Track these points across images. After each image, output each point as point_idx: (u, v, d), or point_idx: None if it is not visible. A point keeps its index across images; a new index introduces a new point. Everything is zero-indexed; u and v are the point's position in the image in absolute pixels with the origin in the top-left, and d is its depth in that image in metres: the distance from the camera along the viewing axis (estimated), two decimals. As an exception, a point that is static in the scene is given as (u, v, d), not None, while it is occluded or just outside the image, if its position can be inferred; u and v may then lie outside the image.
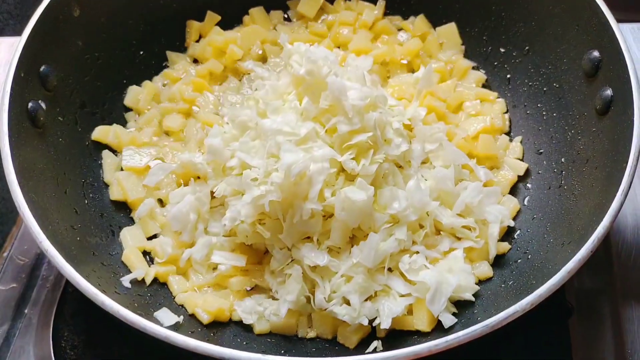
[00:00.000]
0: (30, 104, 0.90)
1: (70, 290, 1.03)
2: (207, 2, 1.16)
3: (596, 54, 0.91)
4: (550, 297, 0.94)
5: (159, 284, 0.93)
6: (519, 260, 0.91)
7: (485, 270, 0.91)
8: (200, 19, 1.17)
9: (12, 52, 0.90)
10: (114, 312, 0.70)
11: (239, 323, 0.90)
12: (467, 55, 1.14)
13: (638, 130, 0.79)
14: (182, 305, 0.91)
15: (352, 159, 0.88)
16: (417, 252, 0.90)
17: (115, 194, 1.00)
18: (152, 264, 0.95)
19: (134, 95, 1.10)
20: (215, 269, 0.94)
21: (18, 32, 0.93)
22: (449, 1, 1.14)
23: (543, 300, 0.92)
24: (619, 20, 0.89)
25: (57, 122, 0.96)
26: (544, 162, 1.00)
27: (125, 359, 0.96)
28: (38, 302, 1.04)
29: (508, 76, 1.10)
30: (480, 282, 0.91)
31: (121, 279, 0.88)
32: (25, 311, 1.03)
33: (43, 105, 0.93)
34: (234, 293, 0.92)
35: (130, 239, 0.96)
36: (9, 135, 0.83)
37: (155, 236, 0.98)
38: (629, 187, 0.76)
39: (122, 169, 1.03)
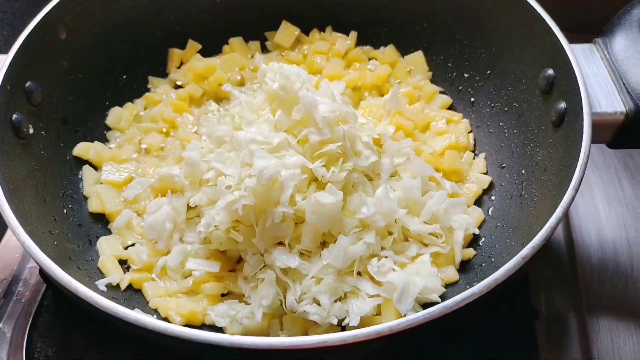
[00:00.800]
0: (14, 116, 0.94)
1: (45, 304, 1.05)
2: (188, 31, 1.22)
3: (551, 72, 0.98)
4: (516, 298, 1.00)
5: (134, 290, 0.95)
6: (483, 264, 0.95)
7: (451, 274, 0.94)
8: (182, 47, 1.23)
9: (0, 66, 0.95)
10: (87, 299, 0.71)
11: (212, 327, 0.91)
12: (433, 81, 1.21)
13: (587, 133, 0.85)
14: (156, 310, 0.92)
15: (323, 166, 0.93)
16: (386, 257, 0.93)
17: (94, 205, 1.03)
18: (128, 271, 0.97)
19: (115, 115, 1.14)
20: (189, 276, 0.96)
21: (5, 52, 0.98)
22: (416, 32, 1.22)
23: (509, 302, 0.97)
24: (570, 42, 0.97)
25: (40, 136, 1.00)
26: (507, 175, 1.05)
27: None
28: (13, 317, 1.05)
29: (472, 99, 1.17)
30: (446, 286, 0.94)
31: (96, 282, 0.90)
32: (0, 325, 1.04)
33: (27, 118, 0.97)
34: (208, 298, 0.93)
35: (107, 247, 0.98)
36: (-8, 140, 0.87)
37: (132, 246, 1.00)
38: (580, 183, 0.81)
39: (101, 183, 1.06)
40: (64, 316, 1.03)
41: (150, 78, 1.21)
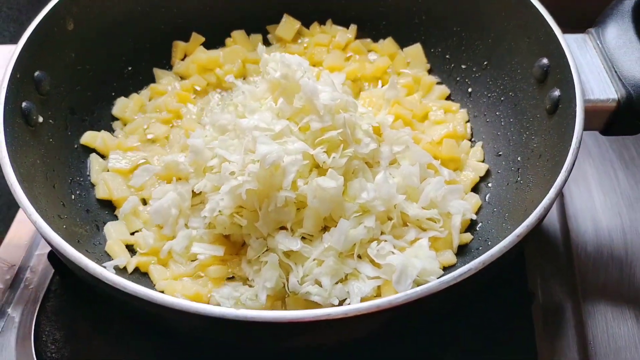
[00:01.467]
0: (24, 104, 0.97)
1: (53, 289, 1.07)
2: (192, 24, 1.25)
3: (545, 61, 1.01)
4: (512, 284, 1.02)
5: (141, 274, 0.98)
6: (479, 248, 0.97)
7: (449, 257, 0.97)
8: (186, 39, 1.25)
9: (9, 56, 0.97)
10: (97, 275, 0.74)
11: (217, 309, 0.93)
12: (431, 72, 1.24)
13: (580, 118, 0.87)
14: (162, 292, 0.94)
15: (324, 152, 0.95)
16: (385, 241, 0.96)
17: (101, 192, 1.06)
18: (135, 255, 0.99)
19: (121, 106, 1.17)
20: (194, 260, 0.98)
21: (15, 42, 1.01)
22: (414, 25, 1.25)
23: (506, 287, 1.00)
24: (564, 32, 1.00)
25: (48, 124, 1.03)
26: (503, 162, 1.08)
27: (103, 352, 1.00)
28: (21, 303, 1.08)
29: (469, 90, 1.20)
30: (444, 269, 0.96)
31: (104, 264, 0.93)
32: (8, 311, 1.07)
33: (36, 107, 1.00)
34: (212, 281, 0.96)
35: (114, 232, 1.01)
36: (4, 126, 0.89)
37: (138, 232, 1.03)
38: (572, 166, 0.83)
39: (108, 171, 1.09)
40: (71, 301, 1.06)
41: (155, 70, 1.23)
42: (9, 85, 0.94)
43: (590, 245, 1.14)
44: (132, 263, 0.97)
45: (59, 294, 1.07)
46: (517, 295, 1.03)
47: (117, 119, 1.17)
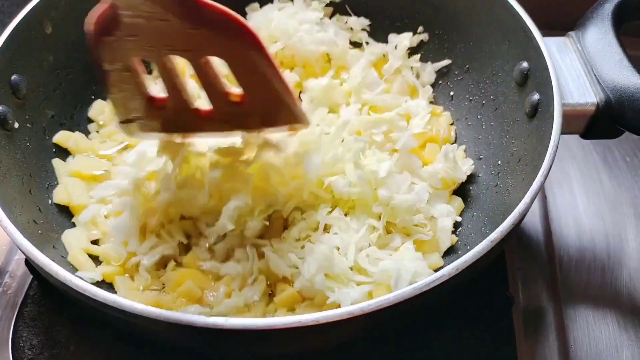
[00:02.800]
0: (0, 108, 0.96)
1: (31, 294, 1.06)
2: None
3: (525, 64, 1.00)
4: (492, 285, 1.02)
5: (106, 284, 0.96)
6: (459, 252, 0.97)
7: (436, 260, 0.97)
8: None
9: (-15, 60, 0.97)
10: (65, 282, 0.73)
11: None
12: (415, 75, 1.23)
13: (557, 122, 0.87)
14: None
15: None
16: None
17: (59, 196, 1.02)
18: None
19: (98, 108, 1.16)
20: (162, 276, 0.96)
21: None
22: (396, 28, 1.25)
23: (486, 291, 0.99)
24: (546, 34, 0.99)
25: (26, 128, 1.02)
26: (483, 166, 1.08)
27: (81, 358, 0.99)
28: (-1, 308, 1.07)
29: (452, 93, 1.19)
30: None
31: (77, 273, 0.92)
32: (-14, 316, 1.06)
33: (12, 111, 0.99)
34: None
35: (74, 240, 0.98)
36: (-23, 132, 0.89)
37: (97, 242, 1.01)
38: (549, 170, 0.83)
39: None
40: (49, 306, 1.05)
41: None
42: (-17, 90, 0.93)
43: (572, 248, 1.14)
44: (98, 272, 0.95)
45: (37, 300, 1.06)
46: (497, 298, 1.03)
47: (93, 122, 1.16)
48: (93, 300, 0.71)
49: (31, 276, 1.07)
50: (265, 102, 0.86)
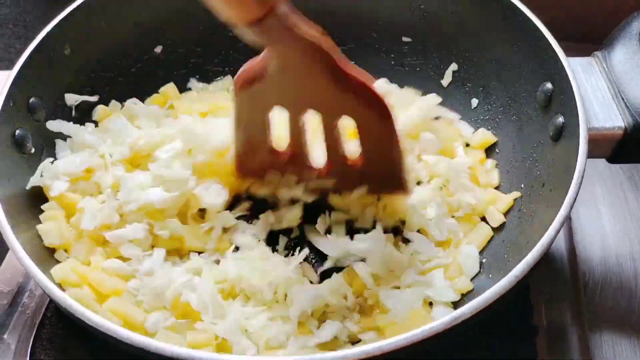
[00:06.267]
0: (17, 131, 0.96)
1: (49, 315, 1.06)
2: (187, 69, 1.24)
3: (549, 85, 0.98)
4: (517, 317, 0.99)
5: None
6: (481, 276, 0.95)
7: (465, 283, 0.96)
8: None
9: (4, 82, 0.97)
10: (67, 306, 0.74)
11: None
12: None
13: (583, 149, 0.84)
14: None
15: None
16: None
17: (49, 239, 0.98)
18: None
19: (102, 113, 1.13)
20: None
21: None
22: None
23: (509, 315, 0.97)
24: (570, 54, 0.97)
25: (43, 151, 1.02)
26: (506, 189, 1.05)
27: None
28: (18, 328, 1.07)
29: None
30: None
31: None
32: (5, 337, 1.06)
33: (30, 134, 0.99)
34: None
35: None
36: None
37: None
38: (574, 200, 0.81)
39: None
40: (66, 327, 1.05)
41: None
42: (1, 113, 0.93)
43: (597, 270, 1.11)
44: None
45: (54, 321, 1.06)
46: (521, 326, 1.00)
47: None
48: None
49: (49, 297, 1.07)
50: (379, 166, 0.96)
